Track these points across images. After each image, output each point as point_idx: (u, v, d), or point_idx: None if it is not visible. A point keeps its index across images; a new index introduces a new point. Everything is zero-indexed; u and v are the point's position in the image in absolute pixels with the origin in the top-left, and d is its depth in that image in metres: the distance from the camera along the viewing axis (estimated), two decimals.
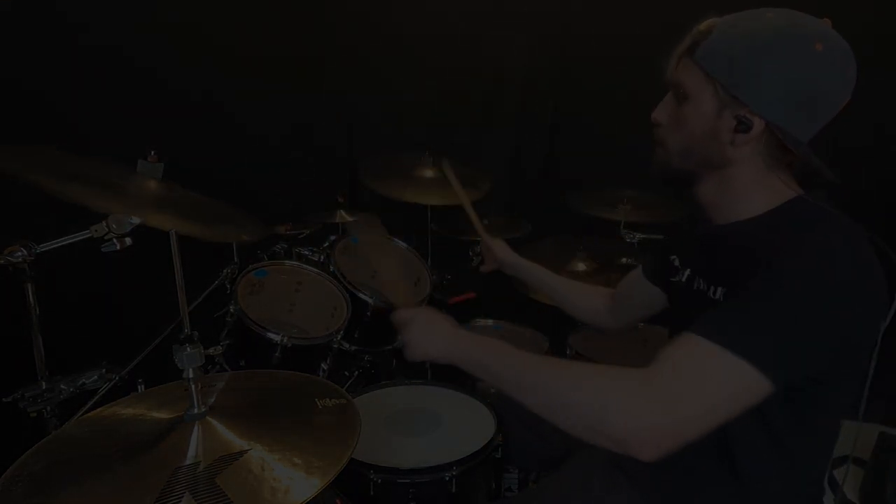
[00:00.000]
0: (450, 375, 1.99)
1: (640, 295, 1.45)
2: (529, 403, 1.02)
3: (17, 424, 1.36)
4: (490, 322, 2.34)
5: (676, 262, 1.25)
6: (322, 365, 1.96)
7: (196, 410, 1.03)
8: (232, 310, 1.87)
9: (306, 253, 2.21)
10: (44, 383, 1.38)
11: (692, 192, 1.13)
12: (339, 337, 1.95)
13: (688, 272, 1.21)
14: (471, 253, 1.81)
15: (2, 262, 1.27)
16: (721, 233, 1.11)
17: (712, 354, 0.91)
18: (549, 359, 1.06)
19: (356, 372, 2.16)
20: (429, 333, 1.20)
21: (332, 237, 2.26)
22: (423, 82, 3.02)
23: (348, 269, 2.11)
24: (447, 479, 1.42)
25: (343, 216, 2.59)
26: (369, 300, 2.04)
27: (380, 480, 1.40)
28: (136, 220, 1.29)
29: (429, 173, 2.52)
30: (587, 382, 0.98)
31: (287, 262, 2.13)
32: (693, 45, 1.01)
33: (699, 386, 0.92)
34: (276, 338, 1.80)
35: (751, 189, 1.05)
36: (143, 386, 1.52)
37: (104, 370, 1.51)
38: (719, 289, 1.08)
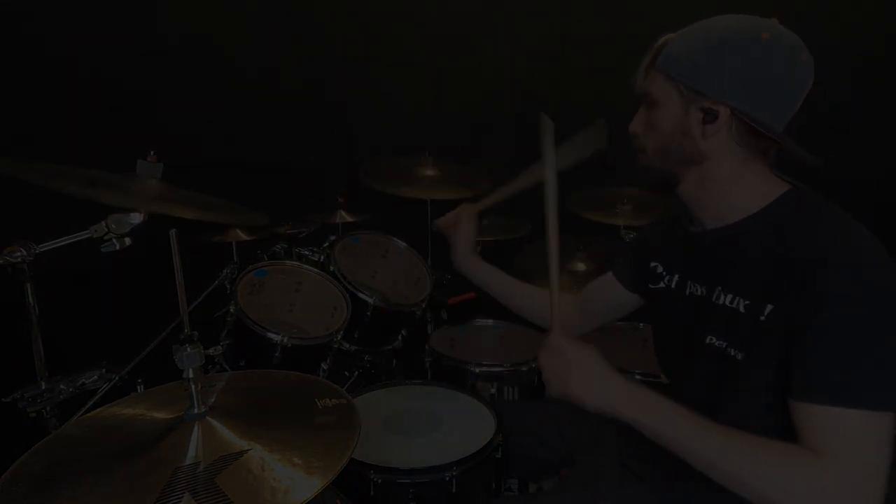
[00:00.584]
0: (450, 375, 2.00)
1: (613, 299, 1.48)
2: (709, 474, 1.00)
3: (17, 424, 1.36)
4: (490, 322, 2.34)
5: (660, 269, 1.26)
6: (322, 365, 1.96)
7: (196, 410, 1.03)
8: (232, 310, 1.87)
9: (306, 253, 2.21)
10: (44, 383, 1.38)
11: (676, 192, 1.16)
12: (339, 337, 1.95)
13: (676, 278, 1.21)
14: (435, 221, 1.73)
15: (2, 262, 1.27)
16: (719, 235, 1.12)
17: (856, 421, 0.92)
18: (723, 434, 0.99)
19: (356, 372, 2.16)
20: (591, 380, 1.07)
21: (332, 237, 2.26)
22: (424, 82, 3.02)
23: (348, 269, 2.11)
24: (447, 479, 1.42)
25: (343, 216, 2.59)
26: (369, 300, 2.04)
27: (380, 480, 1.40)
28: (136, 220, 1.29)
29: (429, 172, 2.53)
30: (767, 472, 0.95)
31: (287, 262, 2.13)
32: (654, 55, 1.10)
33: (858, 460, 0.92)
34: (276, 338, 1.80)
35: (732, 183, 1.09)
36: (142, 386, 1.52)
37: (104, 370, 1.51)
38: (738, 299, 1.07)
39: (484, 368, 1.98)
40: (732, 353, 1.07)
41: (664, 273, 1.25)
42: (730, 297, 1.09)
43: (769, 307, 1.01)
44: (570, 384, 1.07)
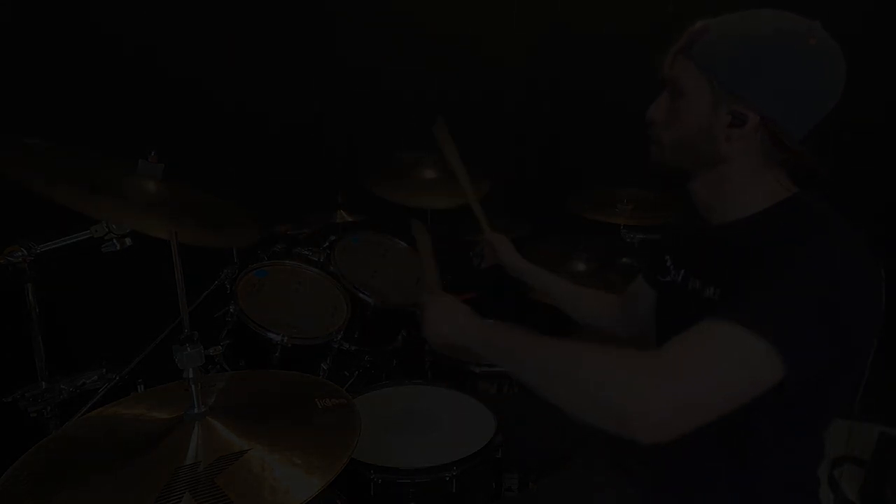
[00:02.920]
0: (450, 375, 2.00)
1: (644, 300, 1.40)
2: (536, 384, 0.99)
3: (17, 424, 1.36)
4: (490, 322, 2.34)
5: (669, 262, 1.25)
6: (322, 365, 1.96)
7: (196, 410, 1.03)
8: (232, 310, 1.87)
9: (306, 253, 2.21)
10: (44, 383, 1.38)
11: (687, 189, 1.14)
12: (339, 337, 1.95)
13: (682, 272, 1.20)
14: (471, 254, 1.80)
15: (2, 262, 1.27)
16: (718, 233, 1.11)
17: (723, 331, 0.89)
18: (558, 339, 1.01)
19: (356, 372, 2.16)
20: (447, 313, 1.23)
21: (332, 237, 2.26)
22: (424, 82, 3.02)
23: (348, 269, 2.11)
24: (447, 479, 1.42)
25: (343, 216, 2.59)
26: (369, 300, 2.04)
27: (380, 480, 1.40)
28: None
29: (429, 173, 2.52)
30: (591, 356, 0.95)
31: (287, 262, 2.13)
32: (689, 42, 1.03)
33: (708, 361, 0.89)
34: (276, 338, 1.80)
35: (745, 186, 1.06)
36: (143, 386, 1.52)
37: (104, 370, 1.51)
38: (713, 288, 1.07)
39: (484, 368, 1.98)
40: None
41: (672, 267, 1.24)
42: (710, 289, 1.08)
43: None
44: (434, 322, 1.22)
